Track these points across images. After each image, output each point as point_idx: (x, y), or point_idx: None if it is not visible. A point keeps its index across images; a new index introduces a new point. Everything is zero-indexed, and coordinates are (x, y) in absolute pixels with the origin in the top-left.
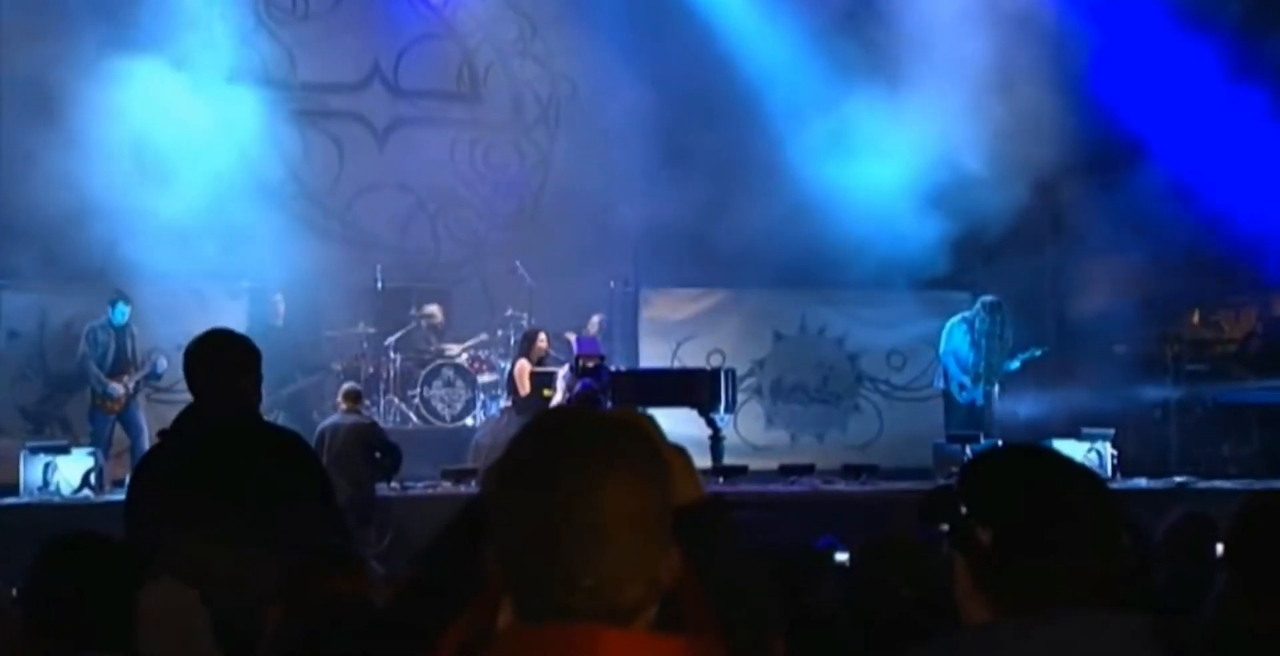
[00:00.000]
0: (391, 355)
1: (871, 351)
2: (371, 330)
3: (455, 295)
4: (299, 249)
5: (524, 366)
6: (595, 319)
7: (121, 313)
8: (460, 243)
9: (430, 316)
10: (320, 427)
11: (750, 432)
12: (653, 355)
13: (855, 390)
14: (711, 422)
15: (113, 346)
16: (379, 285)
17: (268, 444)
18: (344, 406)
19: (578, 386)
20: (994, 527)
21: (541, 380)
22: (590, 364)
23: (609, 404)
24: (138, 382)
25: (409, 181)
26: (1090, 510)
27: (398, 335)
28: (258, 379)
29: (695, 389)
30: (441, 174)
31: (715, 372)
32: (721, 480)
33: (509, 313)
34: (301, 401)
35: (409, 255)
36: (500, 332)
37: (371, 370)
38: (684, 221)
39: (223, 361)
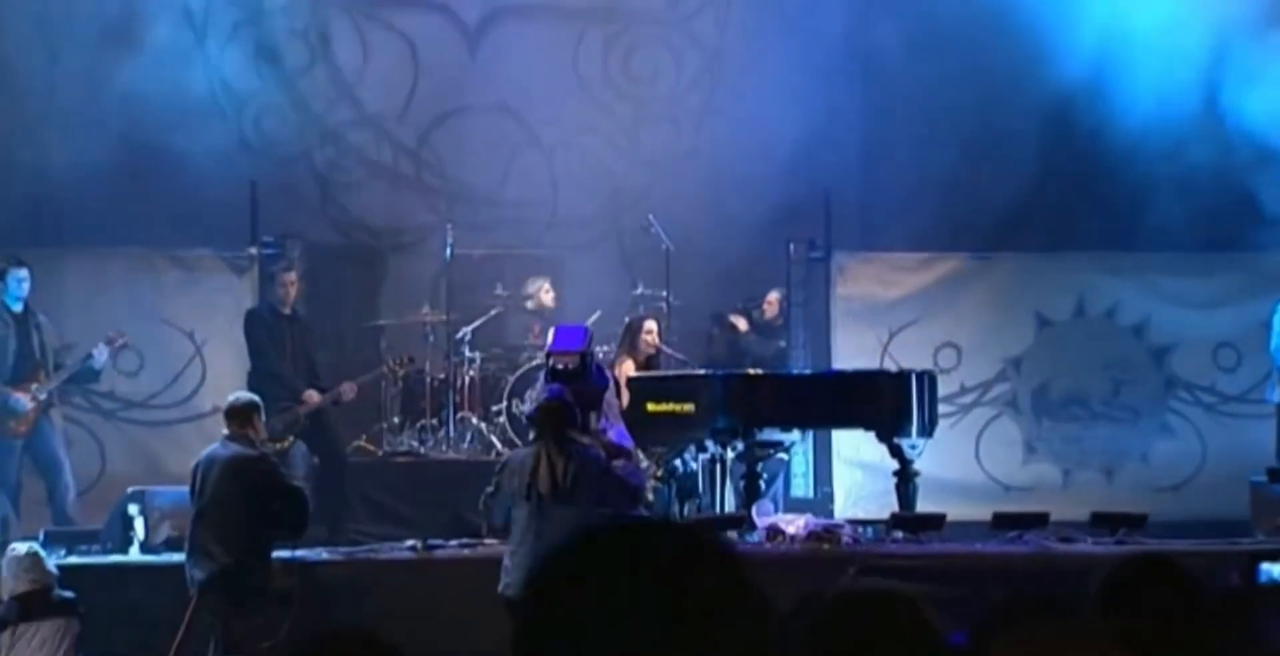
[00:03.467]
0: (468, 353)
1: (1188, 344)
2: (441, 317)
3: (574, 267)
4: (351, 200)
5: (626, 369)
6: (773, 297)
7: (16, 287)
8: (586, 189)
9: (533, 297)
10: (195, 463)
11: (1001, 466)
12: (852, 350)
13: (1164, 402)
14: (898, 452)
15: (11, 339)
16: (448, 252)
17: None
18: (226, 430)
19: (542, 394)
20: None
21: (646, 389)
22: (564, 364)
23: (607, 424)
24: (50, 392)
25: (512, 101)
26: None
27: (476, 323)
28: None
29: (870, 401)
30: (560, 89)
31: (903, 378)
32: (901, 535)
33: (638, 290)
34: (323, 424)
35: (509, 208)
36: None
37: (440, 376)
38: (901, 159)
39: None
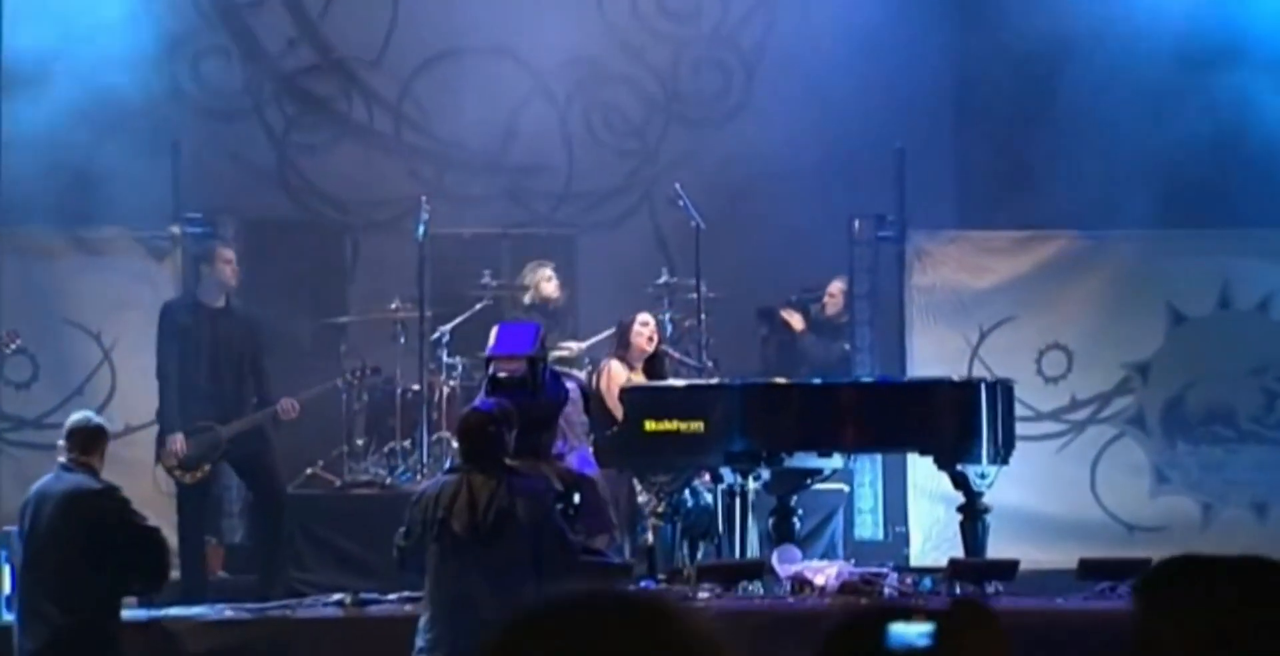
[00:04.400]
0: (447, 358)
1: None
2: (413, 313)
3: (591, 250)
4: (314, 165)
5: (615, 376)
6: (836, 288)
7: None
8: (609, 153)
9: (532, 289)
10: (23, 500)
11: (1123, 499)
12: (933, 354)
13: None
14: (963, 482)
15: None
16: (420, 231)
17: None
18: (63, 457)
19: (478, 404)
20: None
21: (643, 404)
22: (508, 372)
23: (566, 446)
24: None
25: (516, 42)
26: None
27: (456, 321)
28: None
29: (927, 418)
30: (577, 27)
31: (969, 388)
32: (957, 588)
33: (663, 278)
34: (255, 449)
35: (512, 176)
36: (663, 314)
37: (413, 387)
38: (997, 114)
39: None
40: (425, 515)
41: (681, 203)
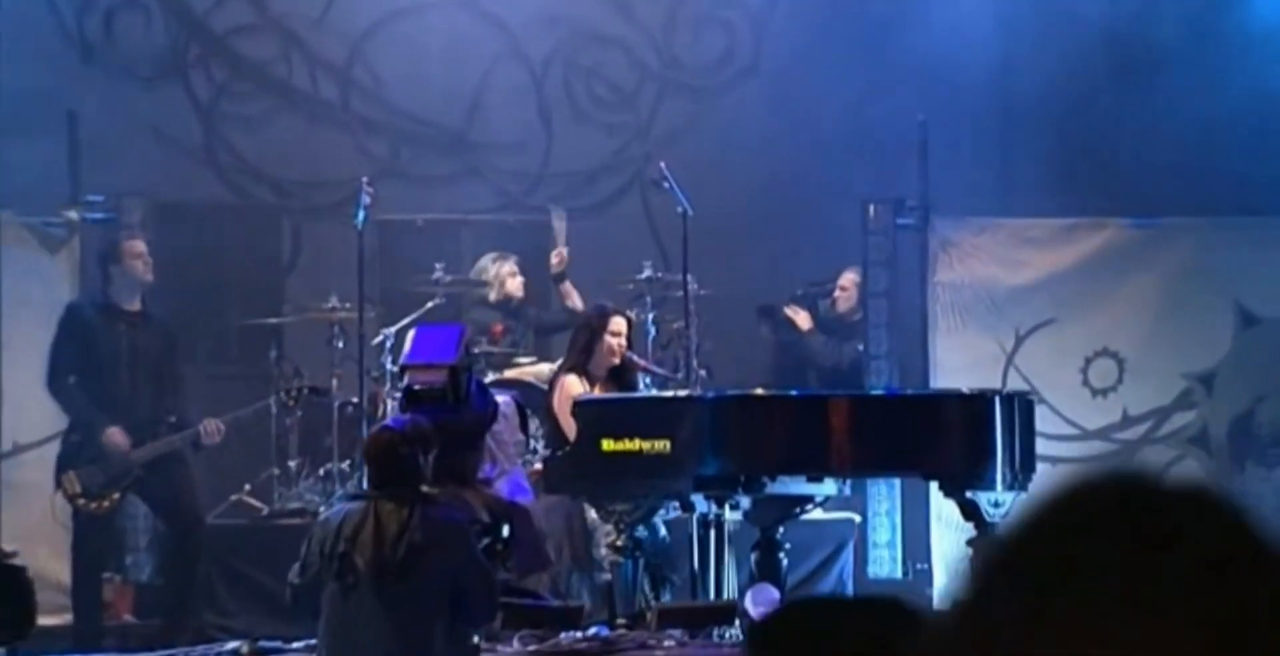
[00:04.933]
0: (391, 365)
1: None
2: (352, 313)
3: (571, 240)
4: (248, 140)
5: (570, 388)
6: (848, 279)
7: None
8: (594, 126)
9: (494, 284)
10: None
11: None
12: (960, 361)
13: None
14: (973, 512)
15: None
16: (360, 216)
17: None
18: None
19: (389, 422)
20: None
21: (600, 419)
22: (426, 383)
23: (494, 470)
24: None
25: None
26: None
27: (403, 323)
28: None
29: (931, 436)
30: None
31: (979, 402)
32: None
33: (645, 273)
34: (168, 475)
35: (479, 153)
36: (645, 314)
37: (353, 400)
38: (1038, 80)
39: None
40: (324, 548)
41: (666, 184)
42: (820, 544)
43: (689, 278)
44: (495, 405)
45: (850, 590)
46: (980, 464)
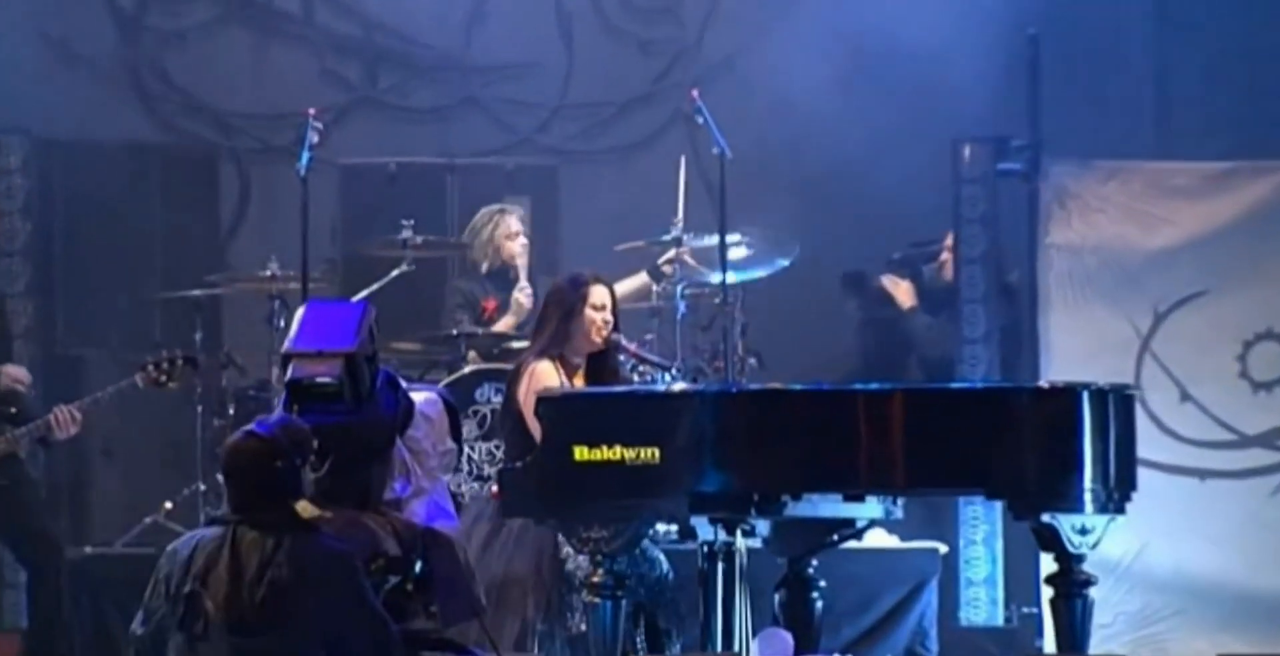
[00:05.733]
0: None
1: None
2: (292, 282)
3: (588, 188)
4: (187, 66)
5: (539, 381)
6: (945, 248)
7: None
8: (623, 48)
9: (489, 243)
10: None
11: None
12: (1082, 345)
13: None
14: (1052, 539)
15: None
16: (303, 159)
17: None
18: None
19: (272, 420)
20: None
21: (570, 420)
22: (317, 375)
23: (406, 487)
24: None
25: None
26: None
27: (363, 294)
28: None
29: (996, 443)
30: None
31: (1063, 399)
32: None
33: (674, 232)
34: (12, 486)
35: (478, 81)
36: (674, 286)
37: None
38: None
39: None
40: (170, 588)
41: (701, 119)
42: (893, 583)
43: (730, 238)
44: (409, 405)
45: (933, 642)
46: (1062, 479)
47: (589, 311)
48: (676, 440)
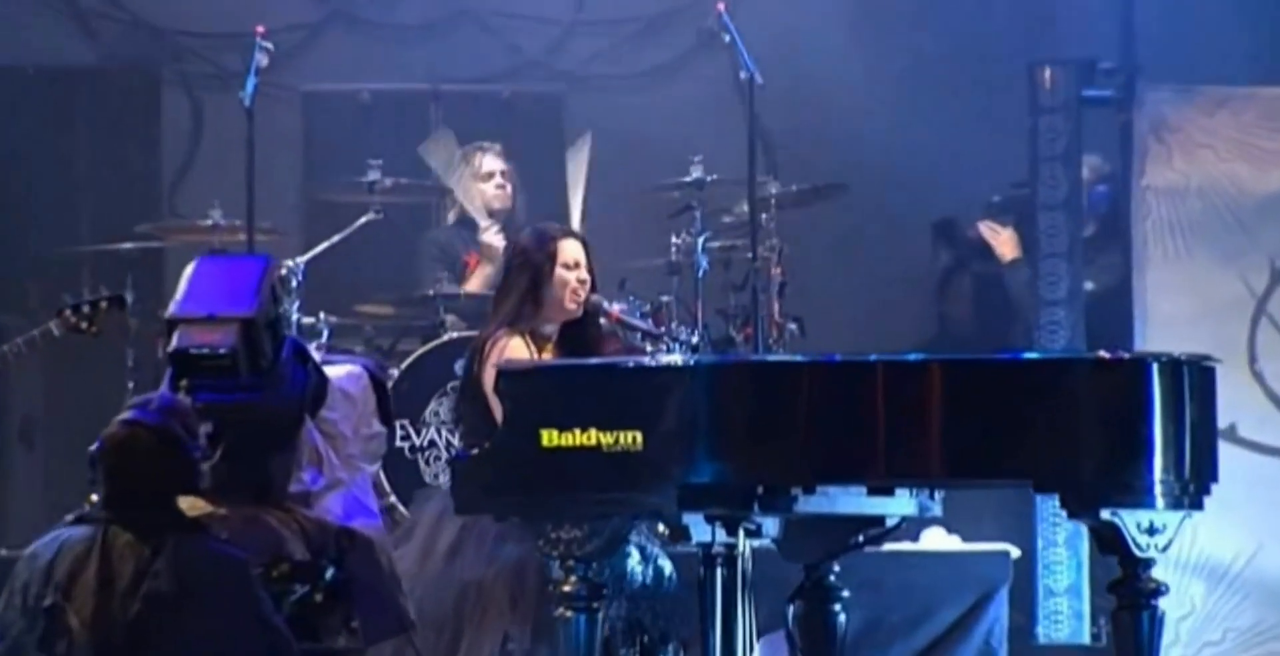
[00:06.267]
0: (299, 314)
1: None
2: (237, 233)
3: (603, 122)
4: None
5: (510, 353)
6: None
7: None
8: None
9: (468, 188)
10: None
11: None
12: (1186, 303)
13: None
14: (1115, 539)
15: None
16: (249, 86)
17: None
18: None
19: (156, 404)
20: None
21: (536, 398)
22: (207, 345)
23: (317, 478)
24: None
25: None
26: None
27: (320, 248)
28: None
29: (1043, 425)
30: None
31: (1126, 372)
32: None
33: (694, 173)
34: None
35: None
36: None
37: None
38: None
39: None
40: (27, 600)
41: (727, 37)
42: (954, 593)
43: (764, 180)
44: (323, 381)
45: None
46: (1126, 467)
47: (560, 272)
48: (663, 422)
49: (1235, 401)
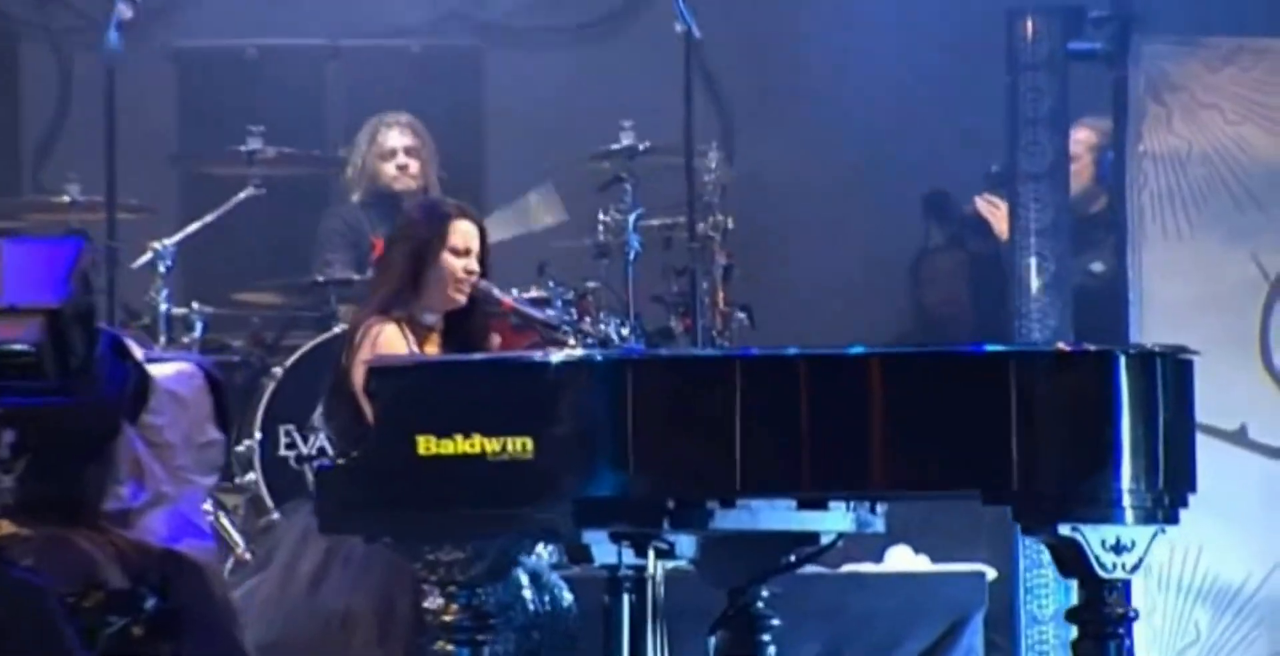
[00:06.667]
0: (169, 304)
1: None
2: (97, 211)
3: (524, 82)
4: None
5: (384, 343)
6: (1081, 136)
7: None
8: None
9: (363, 164)
10: None
11: None
12: (1186, 286)
13: None
14: (1075, 558)
15: None
16: (112, 37)
17: None
18: None
19: None
20: None
21: (401, 398)
22: (6, 341)
23: (140, 491)
24: None
25: None
26: None
27: (196, 226)
28: None
29: (991, 426)
30: None
31: (1091, 366)
32: None
33: (624, 140)
34: None
35: None
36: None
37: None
38: None
39: None
40: None
41: None
42: (922, 620)
43: (704, 148)
44: (145, 380)
45: None
46: (1088, 475)
47: (447, 256)
48: (557, 427)
49: (1246, 400)
